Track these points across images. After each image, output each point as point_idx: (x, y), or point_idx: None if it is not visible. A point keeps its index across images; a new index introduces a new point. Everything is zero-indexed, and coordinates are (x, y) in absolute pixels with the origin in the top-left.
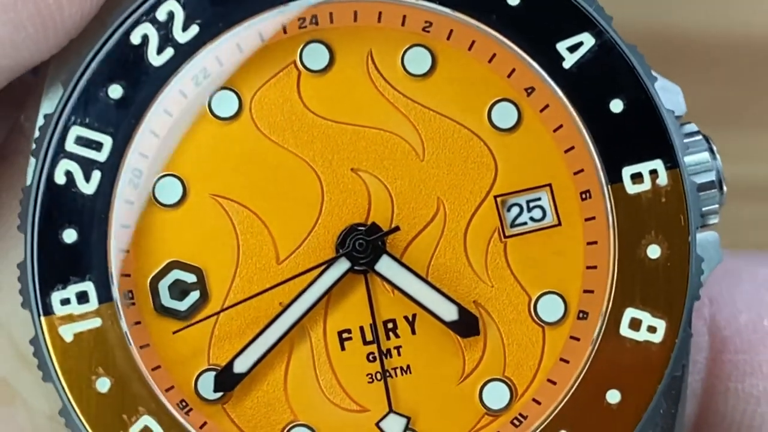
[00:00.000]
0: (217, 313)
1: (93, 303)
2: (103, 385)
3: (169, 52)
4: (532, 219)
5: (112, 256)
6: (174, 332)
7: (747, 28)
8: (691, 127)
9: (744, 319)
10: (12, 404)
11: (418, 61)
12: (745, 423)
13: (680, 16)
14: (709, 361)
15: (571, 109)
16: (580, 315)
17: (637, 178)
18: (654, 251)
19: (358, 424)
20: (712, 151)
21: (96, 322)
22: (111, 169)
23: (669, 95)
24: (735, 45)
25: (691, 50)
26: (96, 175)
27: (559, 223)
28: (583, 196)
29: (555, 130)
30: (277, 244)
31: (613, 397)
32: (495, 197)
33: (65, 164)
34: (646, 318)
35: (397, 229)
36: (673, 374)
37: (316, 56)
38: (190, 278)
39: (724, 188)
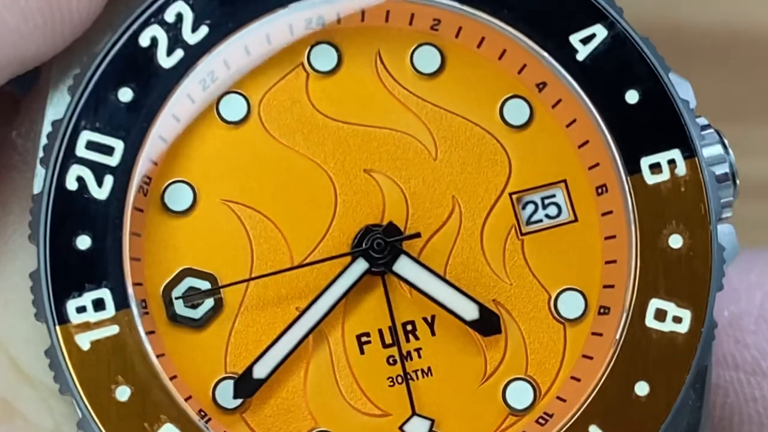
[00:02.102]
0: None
1: (110, 310)
2: (123, 393)
3: (178, 53)
4: (547, 216)
5: (126, 263)
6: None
7: (753, 23)
8: (702, 120)
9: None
10: (11, 422)
11: (427, 59)
12: (715, 414)
13: (688, 12)
14: None
15: (587, 101)
16: (602, 310)
17: (655, 168)
18: (676, 241)
19: (381, 428)
20: (724, 144)
21: (113, 329)
22: (123, 174)
23: (679, 88)
24: (741, 40)
25: (698, 45)
26: (108, 180)
27: (576, 219)
28: (599, 190)
29: (568, 125)
30: (291, 247)
31: (642, 389)
32: (510, 195)
33: (76, 170)
34: (671, 308)
35: (418, 235)
36: (701, 364)
37: (323, 57)
38: (204, 285)
39: (738, 182)
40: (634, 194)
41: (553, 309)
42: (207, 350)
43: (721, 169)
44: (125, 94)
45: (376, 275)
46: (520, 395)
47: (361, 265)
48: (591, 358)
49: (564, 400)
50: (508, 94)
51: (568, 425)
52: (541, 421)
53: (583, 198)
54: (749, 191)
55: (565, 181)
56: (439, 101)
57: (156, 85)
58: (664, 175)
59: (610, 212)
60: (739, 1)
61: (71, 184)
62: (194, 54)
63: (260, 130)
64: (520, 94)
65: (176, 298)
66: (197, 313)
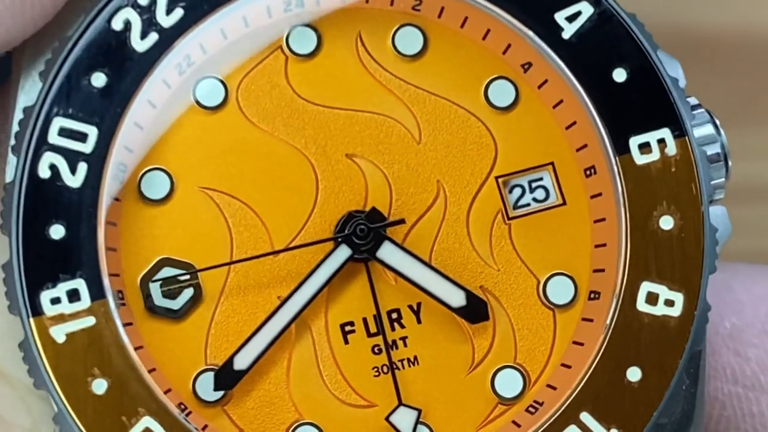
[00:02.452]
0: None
1: (85, 301)
2: (100, 386)
3: (153, 37)
4: (535, 200)
5: (101, 253)
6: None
7: (760, 24)
8: (693, 100)
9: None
10: None
11: (409, 41)
12: (710, 427)
13: (695, 13)
14: None
15: (574, 81)
16: (592, 295)
17: (645, 148)
18: (667, 222)
19: (367, 419)
20: (715, 124)
21: (89, 321)
22: (97, 161)
23: (668, 67)
24: (747, 41)
25: (705, 46)
26: (82, 167)
27: (564, 202)
28: (588, 172)
29: (555, 106)
30: (272, 235)
31: (634, 374)
32: (496, 178)
33: (49, 157)
34: (663, 292)
35: (402, 221)
36: (694, 348)
37: (303, 40)
38: (183, 275)
39: (729, 162)
40: (623, 175)
41: (542, 295)
42: (186, 342)
43: (713, 150)
44: (98, 79)
45: (359, 262)
46: (509, 383)
47: (343, 252)
48: (582, 344)
49: (554, 388)
50: (493, 75)
51: (558, 413)
52: (531, 409)
53: (572, 180)
54: (759, 195)
55: (552, 163)
56: (422, 83)
57: (130, 70)
58: (654, 155)
59: (600, 194)
60: (748, 3)
61: (44, 172)
62: (169, 37)
63: (238, 115)
64: (505, 75)
65: (153, 281)
66: (176, 304)
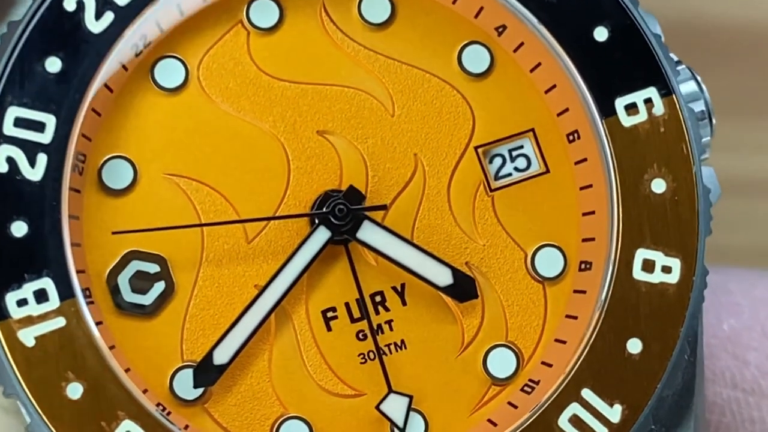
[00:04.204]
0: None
1: (53, 301)
2: (75, 391)
3: (108, 16)
4: (516, 169)
5: (67, 248)
6: None
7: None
8: (674, 56)
9: (702, 323)
10: None
11: (376, 8)
12: None
13: (703, 5)
14: None
15: (552, 42)
16: (582, 266)
17: (631, 109)
18: (659, 185)
19: (356, 409)
20: (697, 81)
21: (59, 322)
22: (57, 152)
23: (648, 22)
24: (757, 34)
25: (712, 39)
26: (41, 159)
27: (547, 170)
28: (571, 137)
29: (532, 70)
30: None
31: (635, 346)
32: (475, 148)
33: (6, 150)
34: (660, 258)
35: (384, 207)
36: (695, 315)
37: (264, 13)
38: (153, 268)
39: (713, 120)
40: (611, 138)
41: (530, 268)
42: (160, 338)
43: (698, 107)
44: (53, 65)
45: (338, 245)
46: (501, 363)
47: (322, 235)
48: (575, 317)
49: (550, 365)
50: (466, 40)
51: (558, 391)
52: (526, 389)
53: (554, 147)
54: (757, 189)
55: (533, 130)
56: (392, 53)
57: (86, 53)
58: (641, 116)
59: (584, 160)
60: None
61: (1, 166)
62: (125, 16)
63: (201, 95)
64: (478, 39)
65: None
66: (147, 299)
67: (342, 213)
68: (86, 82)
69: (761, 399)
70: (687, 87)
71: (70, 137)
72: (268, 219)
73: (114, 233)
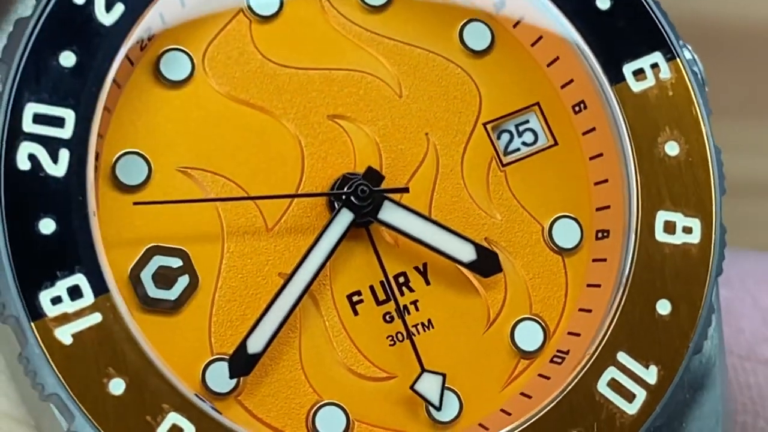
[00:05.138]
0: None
1: (88, 297)
2: (118, 386)
3: (119, 8)
4: (524, 144)
5: (98, 243)
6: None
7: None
8: None
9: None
10: None
11: None
12: None
13: (702, 4)
14: None
15: (556, 12)
16: (599, 235)
17: (639, 74)
18: (672, 148)
19: (389, 392)
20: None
21: (96, 318)
22: (79, 146)
23: None
24: (757, 35)
25: (712, 38)
26: (64, 154)
27: (555, 143)
28: (576, 108)
29: (533, 44)
30: (263, 210)
31: (664, 307)
32: (484, 125)
33: (27, 147)
34: (680, 219)
35: (406, 189)
36: (718, 275)
37: (265, 0)
38: (176, 263)
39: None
40: (623, 104)
41: (548, 240)
42: (188, 333)
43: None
44: (68, 59)
45: (360, 227)
46: (529, 336)
47: (346, 217)
48: (598, 285)
49: (578, 335)
50: (465, 18)
51: (595, 356)
52: (556, 359)
53: (560, 119)
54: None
55: (537, 104)
56: (394, 34)
57: (100, 46)
58: (649, 81)
59: (593, 129)
60: None
61: (23, 164)
62: (135, 7)
63: (208, 87)
64: (477, 17)
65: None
66: (172, 294)
67: (364, 194)
68: (102, 75)
69: (757, 365)
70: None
71: (91, 131)
72: (290, 196)
73: (135, 204)
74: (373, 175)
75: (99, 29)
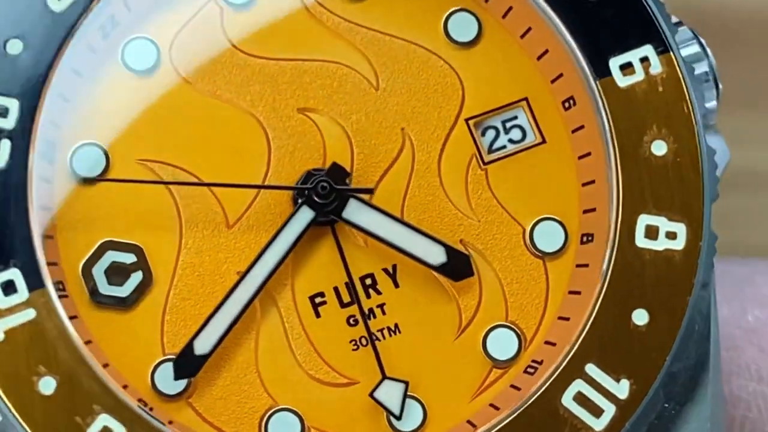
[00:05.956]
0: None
1: (22, 293)
2: (48, 385)
3: None
4: (511, 141)
5: (36, 238)
6: None
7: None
8: (674, 17)
9: (725, 313)
10: None
11: None
12: (735, 428)
13: None
14: None
15: (542, 4)
16: (584, 239)
17: (627, 68)
18: (659, 147)
19: (349, 398)
20: (701, 43)
21: (29, 314)
22: (22, 137)
23: None
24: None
25: (721, 26)
26: (5, 145)
27: (544, 140)
28: (566, 104)
29: (522, 36)
30: (224, 205)
31: (640, 317)
32: (466, 121)
33: None
34: (663, 223)
35: (370, 190)
36: (704, 283)
37: None
38: (129, 258)
39: (720, 86)
40: (606, 100)
41: (529, 243)
42: (140, 331)
43: (700, 68)
44: (14, 46)
45: (324, 226)
46: (502, 344)
47: (306, 215)
48: (579, 293)
49: (554, 344)
50: (452, 8)
51: (561, 368)
52: (530, 370)
53: (549, 115)
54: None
55: (526, 99)
56: (374, 24)
57: (48, 34)
58: (638, 76)
59: (581, 127)
60: None
61: None
62: None
63: (174, 77)
64: (464, 6)
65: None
66: (124, 291)
67: (325, 191)
68: (49, 64)
69: None
70: (690, 49)
71: (35, 123)
72: (246, 186)
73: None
74: (338, 172)
75: (48, 16)
